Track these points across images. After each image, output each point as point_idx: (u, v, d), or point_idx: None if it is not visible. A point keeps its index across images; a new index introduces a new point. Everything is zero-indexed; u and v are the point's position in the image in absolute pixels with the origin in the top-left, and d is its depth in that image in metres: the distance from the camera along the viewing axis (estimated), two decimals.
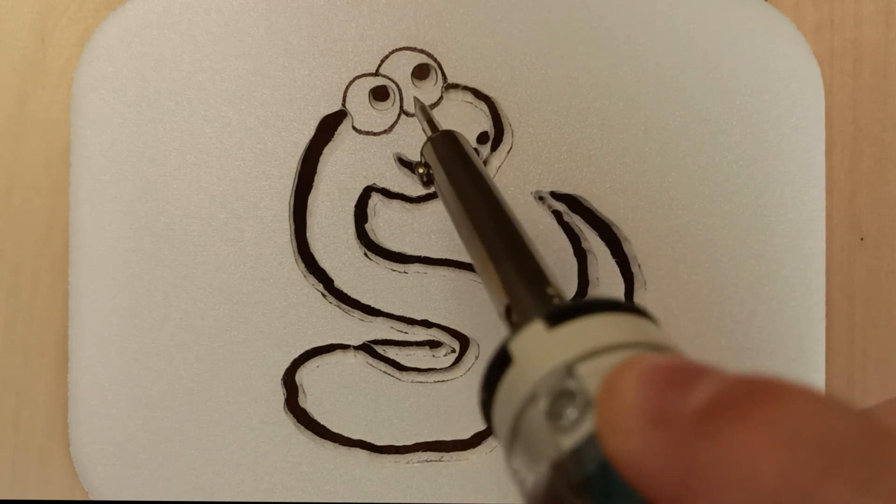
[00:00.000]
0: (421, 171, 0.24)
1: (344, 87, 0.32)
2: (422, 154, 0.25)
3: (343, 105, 0.32)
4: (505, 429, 0.15)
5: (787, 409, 0.11)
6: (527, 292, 0.18)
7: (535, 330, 0.15)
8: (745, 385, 0.12)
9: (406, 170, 0.32)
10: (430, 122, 0.27)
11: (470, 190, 0.22)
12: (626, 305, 0.16)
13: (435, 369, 0.32)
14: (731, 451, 0.11)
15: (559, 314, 0.15)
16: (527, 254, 0.19)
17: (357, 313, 0.32)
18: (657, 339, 0.15)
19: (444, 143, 0.24)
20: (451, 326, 0.32)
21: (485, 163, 0.32)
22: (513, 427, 0.15)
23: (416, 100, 0.31)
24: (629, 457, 0.12)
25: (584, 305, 0.15)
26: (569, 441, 0.14)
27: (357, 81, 0.32)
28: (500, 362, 0.16)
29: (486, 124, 0.32)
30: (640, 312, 0.16)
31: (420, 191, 0.32)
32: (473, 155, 0.24)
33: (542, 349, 0.15)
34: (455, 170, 0.23)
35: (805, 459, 0.11)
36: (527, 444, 0.15)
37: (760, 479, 0.11)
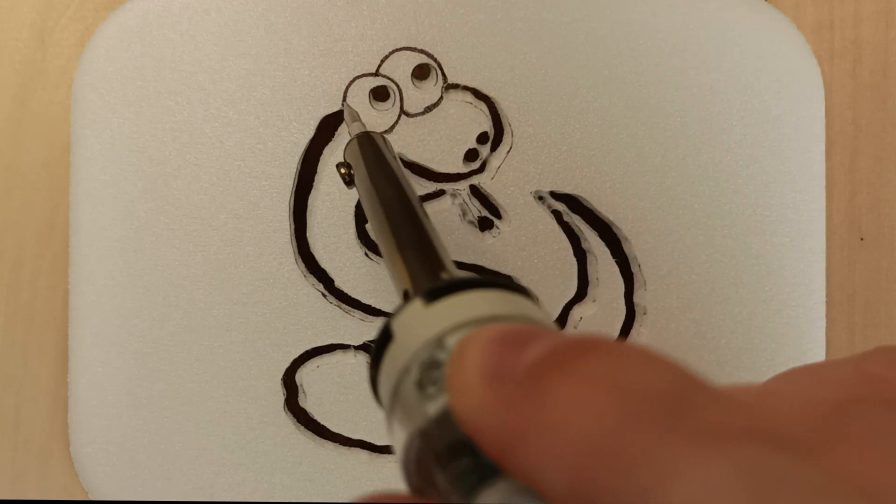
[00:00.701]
0: (343, 171, 0.26)
1: (344, 88, 0.32)
2: (344, 154, 0.27)
3: (343, 105, 0.32)
4: (386, 402, 0.16)
5: (605, 361, 0.12)
6: (421, 277, 0.19)
7: (415, 307, 0.16)
8: (572, 343, 0.13)
9: (406, 170, 0.32)
10: (354, 125, 0.28)
11: (382, 185, 0.23)
12: (503, 283, 0.16)
13: None
14: (553, 401, 0.12)
15: (436, 291, 0.16)
16: (426, 242, 0.20)
17: (357, 313, 0.32)
18: (530, 314, 0.16)
19: (364, 144, 0.26)
20: None
21: (485, 163, 0.32)
22: (391, 399, 0.16)
23: (345, 103, 0.31)
24: (468, 413, 0.13)
25: (459, 282, 0.16)
26: (433, 408, 0.14)
27: (357, 81, 0.32)
28: (383, 339, 0.16)
29: (486, 124, 0.32)
30: (516, 289, 0.16)
31: (421, 191, 0.32)
32: (389, 154, 0.25)
33: (418, 324, 0.16)
34: (371, 167, 0.24)
35: (615, 404, 0.11)
36: (401, 415, 0.15)
37: (576, 425, 0.11)
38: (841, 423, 0.13)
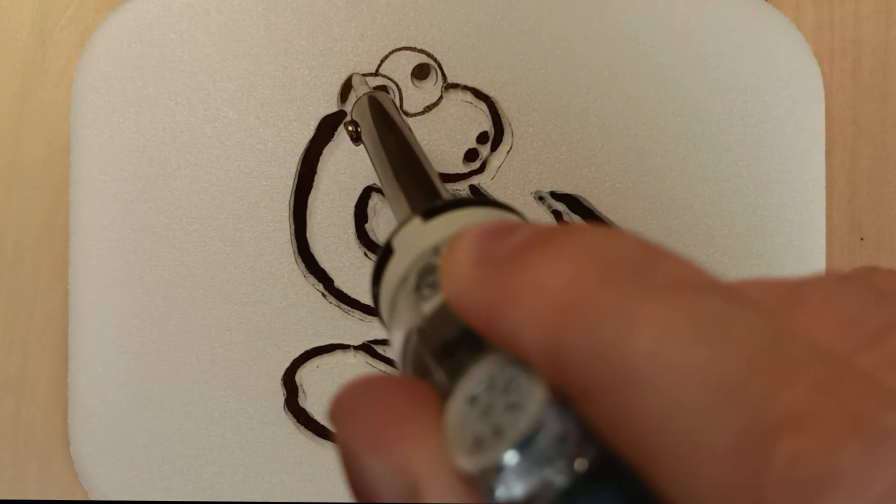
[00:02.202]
0: (350, 128, 0.27)
1: (343, 86, 0.32)
2: (351, 113, 0.28)
3: (342, 104, 0.32)
4: (386, 312, 0.17)
5: (580, 236, 0.13)
6: (420, 204, 0.20)
7: (414, 224, 0.17)
8: (553, 227, 0.14)
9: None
10: (363, 87, 0.30)
11: (385, 135, 0.25)
12: (496, 202, 0.17)
13: None
14: (531, 270, 0.13)
15: (434, 209, 0.17)
16: (425, 177, 0.22)
17: (357, 313, 0.32)
18: None
19: (370, 103, 0.28)
20: None
21: (485, 163, 0.32)
22: (391, 308, 0.17)
23: (356, 74, 0.32)
24: (457, 295, 0.14)
25: (455, 201, 0.17)
26: (429, 307, 0.15)
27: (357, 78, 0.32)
28: (384, 256, 0.17)
29: (486, 124, 0.32)
30: (509, 208, 0.17)
31: None
32: (393, 110, 0.27)
33: (416, 238, 0.17)
34: (378, 121, 0.26)
35: (587, 269, 0.12)
36: (400, 320, 0.16)
37: (548, 289, 0.12)
38: (800, 294, 0.14)
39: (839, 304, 0.13)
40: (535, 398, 0.12)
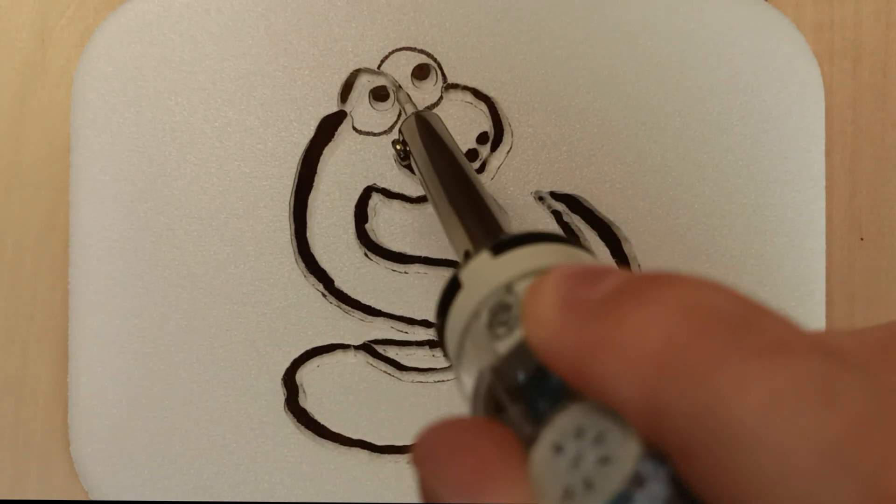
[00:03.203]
0: (398, 147, 0.27)
1: (344, 86, 0.32)
2: (400, 132, 0.28)
3: (342, 104, 0.32)
4: (454, 347, 0.17)
5: (675, 287, 0.13)
6: (482, 237, 0.20)
7: (482, 259, 0.17)
8: (645, 275, 0.14)
9: (406, 171, 0.32)
10: (410, 104, 0.31)
11: (438, 158, 0.25)
12: (564, 238, 0.17)
13: (435, 369, 0.32)
14: (626, 323, 0.13)
15: (503, 244, 0.17)
16: (485, 209, 0.22)
17: (357, 313, 0.32)
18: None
19: (420, 122, 0.27)
20: None
21: (484, 163, 0.32)
22: (460, 344, 0.16)
23: (394, 82, 0.32)
24: (544, 341, 0.14)
25: (525, 236, 0.17)
26: (504, 346, 0.15)
27: (357, 81, 0.32)
28: (452, 289, 0.17)
29: (486, 124, 0.32)
30: (578, 244, 0.17)
31: (420, 191, 0.32)
32: (444, 131, 0.27)
33: (486, 274, 0.17)
34: (429, 143, 0.26)
35: (684, 323, 0.12)
36: (471, 357, 0.16)
37: (648, 341, 0.12)
38: (891, 352, 0.14)
39: None
40: (629, 453, 0.12)
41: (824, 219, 0.32)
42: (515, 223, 0.32)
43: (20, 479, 0.33)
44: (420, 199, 0.32)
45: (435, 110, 0.32)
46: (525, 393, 0.14)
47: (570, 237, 0.17)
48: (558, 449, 0.13)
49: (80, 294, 0.32)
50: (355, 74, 0.32)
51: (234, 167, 0.32)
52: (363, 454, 0.32)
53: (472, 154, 0.32)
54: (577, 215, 0.32)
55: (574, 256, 0.17)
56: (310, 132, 0.32)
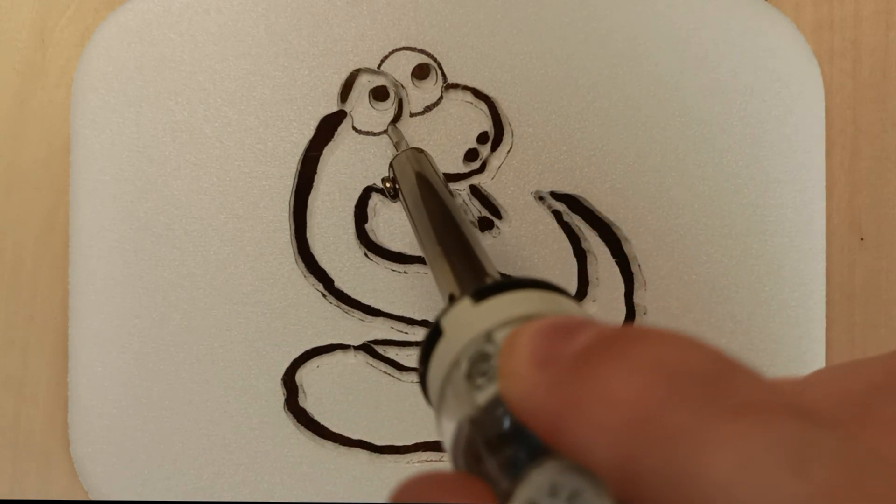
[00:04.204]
0: (388, 185, 0.27)
1: (344, 85, 0.32)
2: (391, 168, 0.28)
3: (342, 104, 0.32)
4: (435, 395, 0.17)
5: (650, 345, 0.13)
6: (467, 280, 0.20)
7: (463, 306, 0.17)
8: (618, 330, 0.14)
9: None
10: (401, 142, 0.30)
11: (428, 198, 0.25)
12: (546, 283, 0.17)
13: None
14: (601, 380, 0.13)
15: (484, 291, 0.17)
16: (470, 250, 0.22)
17: (357, 313, 0.32)
18: (570, 311, 0.16)
19: (410, 160, 0.28)
20: None
21: (485, 163, 0.32)
22: (441, 392, 0.16)
23: (391, 125, 0.32)
24: (519, 396, 0.14)
25: (506, 283, 0.17)
26: (483, 397, 0.15)
27: (357, 81, 0.32)
28: (433, 336, 0.17)
29: (486, 124, 0.32)
30: (558, 290, 0.17)
31: None
32: (432, 169, 0.27)
33: (467, 321, 0.16)
34: (419, 182, 0.26)
35: (659, 383, 0.12)
36: (451, 406, 0.16)
37: (622, 402, 0.12)
38: (871, 407, 0.14)
39: None
40: None
41: (824, 219, 0.32)
42: (516, 223, 0.32)
43: (20, 479, 0.33)
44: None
45: (435, 110, 0.32)
46: (502, 446, 0.14)
47: (556, 285, 0.17)
48: None
49: (80, 294, 0.32)
50: (355, 74, 0.32)
51: (234, 167, 0.32)
52: (363, 454, 0.32)
53: (473, 154, 0.32)
54: (577, 215, 0.32)
55: (557, 304, 0.16)
56: (310, 132, 0.32)
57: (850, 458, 0.11)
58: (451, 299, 0.20)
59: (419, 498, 0.14)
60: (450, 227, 0.23)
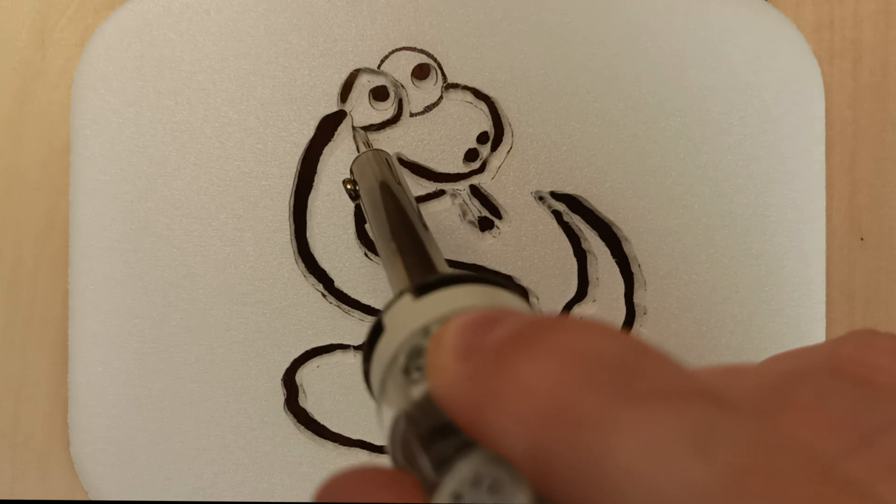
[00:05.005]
0: (349, 186, 0.28)
1: (344, 86, 0.32)
2: (351, 171, 0.29)
3: (342, 104, 0.32)
4: (376, 391, 0.17)
5: (564, 334, 0.13)
6: (417, 277, 0.20)
7: (404, 302, 0.17)
8: (536, 320, 0.14)
9: (406, 170, 0.32)
10: (366, 144, 0.31)
11: (385, 198, 0.25)
12: (488, 279, 0.17)
13: None
14: (516, 371, 0.13)
15: (425, 286, 0.17)
16: (422, 250, 0.22)
17: (357, 313, 0.32)
18: (508, 304, 0.17)
19: (370, 161, 0.28)
20: None
21: (485, 163, 0.32)
22: (380, 388, 0.16)
23: (355, 129, 0.32)
24: (442, 390, 0.14)
25: (446, 278, 0.17)
26: (417, 391, 0.15)
27: (357, 81, 0.32)
28: (375, 332, 0.17)
29: (486, 124, 0.32)
30: (501, 285, 0.17)
31: (421, 191, 0.32)
32: (390, 170, 0.27)
33: (407, 316, 0.16)
34: (375, 183, 0.26)
35: (570, 373, 0.12)
36: (389, 402, 0.16)
37: (534, 391, 0.12)
38: (788, 392, 0.14)
39: (829, 402, 0.13)
40: (518, 502, 0.12)
41: (824, 219, 0.32)
42: (516, 223, 0.32)
43: (20, 479, 0.33)
44: (419, 200, 0.32)
45: (435, 110, 0.32)
46: (432, 441, 0.14)
47: (503, 278, 0.17)
48: (457, 496, 0.13)
49: (80, 294, 0.32)
50: (355, 74, 0.32)
51: (234, 167, 0.32)
52: (363, 454, 0.32)
53: (473, 154, 0.32)
54: (577, 215, 0.32)
55: (496, 298, 0.16)
56: (310, 132, 0.32)
57: (755, 440, 0.11)
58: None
59: (341, 493, 0.14)
60: (404, 226, 0.23)
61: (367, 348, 0.17)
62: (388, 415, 0.16)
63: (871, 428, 0.13)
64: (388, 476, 0.14)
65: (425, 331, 0.16)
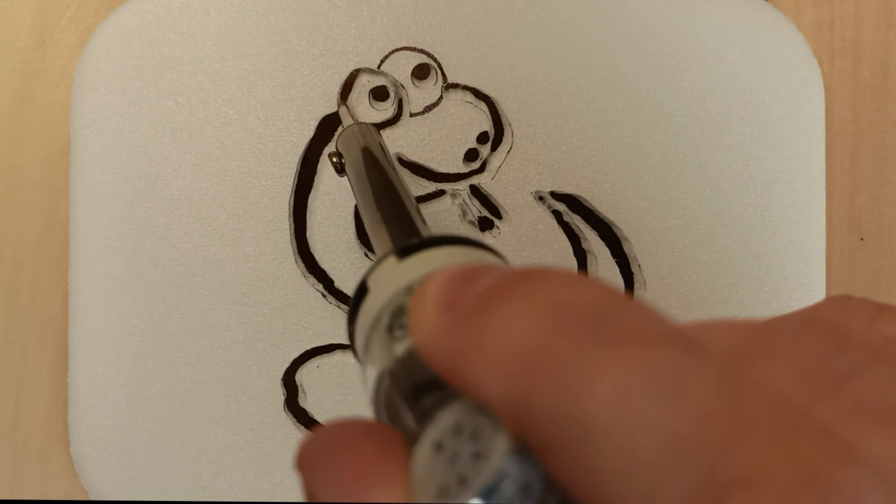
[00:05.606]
0: (335, 160, 0.28)
1: (344, 86, 0.32)
2: (336, 145, 0.29)
3: (343, 104, 0.32)
4: (360, 351, 0.17)
5: (542, 283, 0.13)
6: (399, 242, 0.20)
7: (389, 263, 0.17)
8: (516, 271, 0.14)
9: (406, 170, 0.32)
10: (348, 117, 0.31)
11: (369, 169, 0.25)
12: (471, 240, 0.17)
13: None
14: (495, 320, 0.13)
15: (409, 248, 0.17)
16: (407, 218, 0.22)
17: None
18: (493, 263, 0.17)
19: (355, 134, 0.28)
20: None
21: (485, 162, 0.32)
22: (364, 347, 0.16)
23: (342, 104, 0.32)
24: (424, 342, 0.14)
25: (430, 240, 0.17)
26: (400, 348, 0.15)
27: (357, 81, 0.32)
28: (359, 294, 0.17)
29: (486, 124, 0.32)
30: (485, 247, 0.17)
31: (421, 191, 0.32)
32: (375, 142, 0.27)
33: (391, 277, 0.17)
34: (359, 154, 0.27)
35: (544, 320, 0.12)
36: (373, 361, 0.16)
37: (511, 338, 0.12)
38: (762, 340, 0.14)
39: (801, 349, 0.13)
40: (498, 448, 0.12)
41: (824, 219, 0.32)
42: (516, 223, 0.32)
43: (20, 479, 0.33)
44: (420, 200, 0.32)
45: (435, 110, 0.32)
46: (416, 394, 0.14)
47: (482, 243, 0.17)
48: (439, 447, 0.13)
49: (80, 294, 0.32)
50: (355, 74, 0.32)
51: (234, 167, 0.32)
52: None
53: (473, 154, 0.32)
54: (577, 215, 0.32)
55: (479, 258, 0.17)
56: (310, 132, 0.32)
57: (723, 383, 0.11)
58: None
59: (322, 445, 0.14)
60: (388, 195, 0.24)
61: (352, 310, 0.17)
62: (372, 374, 0.16)
63: (841, 374, 0.13)
64: (367, 427, 0.14)
65: (409, 290, 0.16)
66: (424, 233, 0.21)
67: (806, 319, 0.14)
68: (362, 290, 0.17)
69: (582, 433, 0.11)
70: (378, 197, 0.24)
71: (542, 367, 0.12)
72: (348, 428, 0.14)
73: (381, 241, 0.21)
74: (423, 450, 0.13)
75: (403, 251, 0.17)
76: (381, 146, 0.27)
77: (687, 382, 0.11)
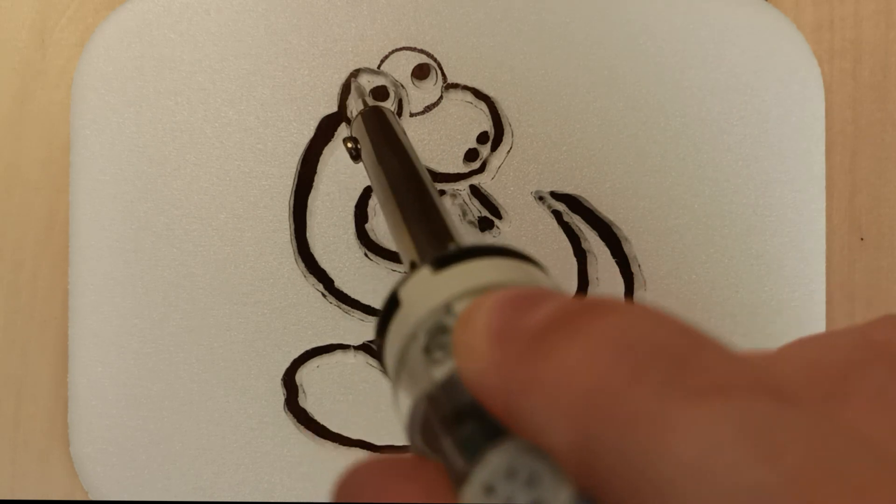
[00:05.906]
0: (350, 145, 0.25)
1: (344, 85, 0.32)
2: (351, 129, 0.27)
3: (352, 81, 0.32)
4: (392, 369, 0.16)
5: (612, 320, 0.12)
6: (428, 247, 0.19)
7: (422, 275, 0.16)
8: (579, 304, 0.13)
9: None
10: (364, 101, 0.29)
11: (388, 158, 0.23)
12: (512, 251, 0.16)
13: None
14: (559, 358, 0.12)
15: (444, 259, 0.16)
16: (433, 213, 0.20)
17: (357, 313, 0.32)
18: (538, 281, 0.16)
19: (371, 119, 0.26)
20: None
21: (485, 163, 0.32)
22: (397, 366, 0.15)
23: (353, 80, 0.31)
24: (474, 373, 0.13)
25: (467, 250, 0.16)
26: (440, 372, 0.14)
27: (357, 81, 0.32)
28: (390, 307, 0.16)
29: (486, 124, 0.32)
30: (523, 257, 0.16)
31: None
32: (396, 127, 0.25)
33: (426, 291, 0.15)
34: (377, 141, 0.24)
35: (620, 361, 0.11)
36: (407, 381, 0.15)
37: (580, 380, 0.11)
38: (847, 383, 0.13)
39: (890, 396, 0.13)
40: (560, 499, 0.11)
41: (824, 219, 0.32)
42: (516, 223, 0.32)
43: (20, 479, 0.33)
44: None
45: (435, 110, 0.32)
46: (458, 425, 0.13)
47: (522, 253, 0.16)
48: (489, 490, 0.12)
49: (80, 294, 0.32)
50: (355, 74, 0.32)
51: (234, 167, 0.32)
52: (363, 454, 0.32)
53: (473, 154, 0.32)
54: (577, 215, 0.32)
55: (522, 273, 0.15)
56: (310, 132, 0.32)
57: (823, 440, 0.10)
58: (413, 267, 0.18)
59: (366, 486, 0.13)
60: (412, 188, 0.21)
61: (382, 324, 0.16)
62: (406, 395, 0.15)
63: None
64: (410, 465, 0.13)
65: (447, 307, 0.15)
66: (455, 235, 0.19)
67: (892, 364, 0.13)
68: (393, 302, 0.16)
69: (664, 488, 0.10)
70: (400, 192, 0.21)
71: (615, 416, 0.11)
72: (390, 466, 0.13)
73: (404, 244, 0.20)
74: (473, 492, 0.12)
75: (440, 262, 0.16)
76: (402, 133, 0.25)
77: (780, 438, 0.10)
